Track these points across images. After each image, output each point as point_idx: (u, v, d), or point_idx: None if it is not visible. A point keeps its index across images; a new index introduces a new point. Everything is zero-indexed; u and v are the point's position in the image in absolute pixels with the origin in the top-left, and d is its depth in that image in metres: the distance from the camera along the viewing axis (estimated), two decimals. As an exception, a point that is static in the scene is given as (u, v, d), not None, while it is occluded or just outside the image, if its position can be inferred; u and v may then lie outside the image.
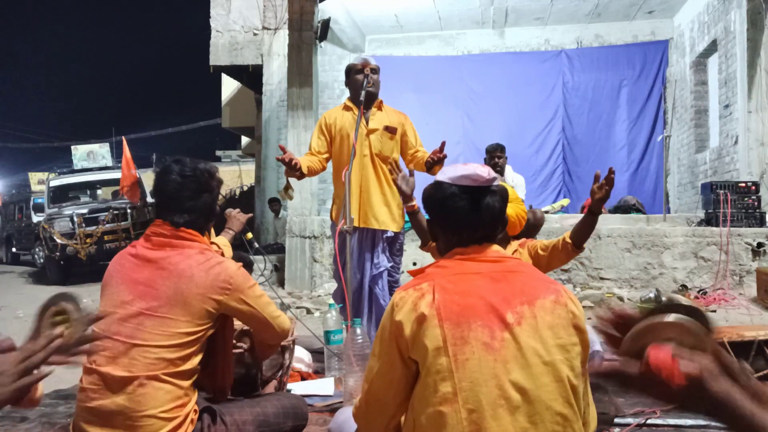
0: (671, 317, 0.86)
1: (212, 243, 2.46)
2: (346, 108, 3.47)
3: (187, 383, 1.69)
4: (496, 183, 1.43)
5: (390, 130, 3.41)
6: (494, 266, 1.36)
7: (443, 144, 3.10)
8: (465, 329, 1.26)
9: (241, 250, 2.94)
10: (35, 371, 1.06)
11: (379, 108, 3.46)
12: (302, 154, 7.78)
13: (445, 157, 3.11)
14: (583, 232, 2.42)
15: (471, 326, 1.26)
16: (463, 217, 1.40)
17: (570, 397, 1.25)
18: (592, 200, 2.35)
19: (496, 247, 1.42)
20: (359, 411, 1.43)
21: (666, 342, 0.83)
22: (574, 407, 1.25)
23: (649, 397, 0.83)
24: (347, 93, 3.55)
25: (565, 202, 8.50)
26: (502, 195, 1.44)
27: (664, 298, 5.64)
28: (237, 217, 2.59)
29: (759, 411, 0.78)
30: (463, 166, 1.43)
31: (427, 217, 1.51)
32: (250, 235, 2.76)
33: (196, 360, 1.71)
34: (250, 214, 2.70)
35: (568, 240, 2.44)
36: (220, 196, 2.49)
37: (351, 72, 3.47)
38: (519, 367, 1.23)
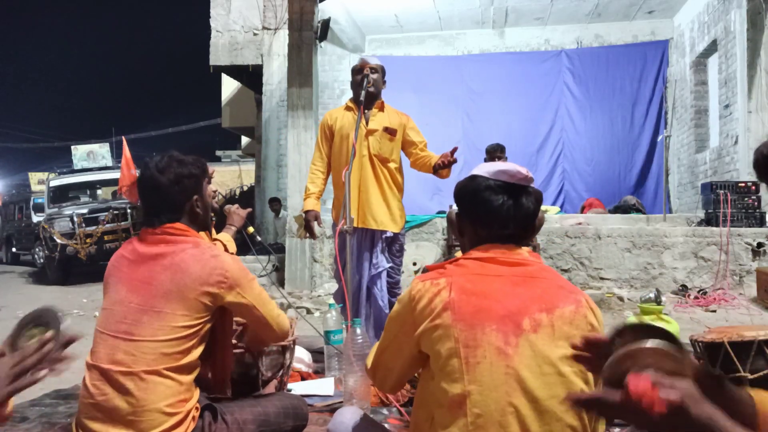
0: (649, 343, 0.86)
1: (215, 240, 2.45)
2: (348, 108, 3.49)
3: (187, 378, 1.69)
4: (533, 184, 1.41)
5: (389, 132, 3.42)
6: (516, 270, 1.33)
7: (455, 149, 3.14)
8: (478, 332, 1.24)
9: (244, 245, 2.94)
10: (27, 375, 1.06)
11: (381, 109, 3.47)
12: (302, 154, 7.73)
13: (455, 161, 3.16)
14: None
15: (485, 330, 1.24)
16: (495, 212, 1.36)
17: (582, 410, 1.21)
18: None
19: (522, 250, 1.39)
20: (371, 370, 1.52)
21: (645, 369, 0.83)
22: (584, 420, 1.23)
23: (631, 424, 0.82)
24: (347, 93, 3.57)
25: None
26: (537, 198, 1.41)
27: (663, 298, 5.64)
28: (236, 212, 2.59)
29: None
30: (502, 163, 1.41)
31: (456, 209, 1.48)
32: (251, 229, 2.75)
33: (196, 353, 1.71)
34: (249, 209, 2.69)
35: None
36: (219, 195, 2.48)
37: (353, 73, 3.50)
38: (532, 375, 1.21)
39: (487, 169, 1.40)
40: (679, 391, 0.77)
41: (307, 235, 3.51)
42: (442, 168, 3.22)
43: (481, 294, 1.28)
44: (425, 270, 1.44)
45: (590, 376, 1.24)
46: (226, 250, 2.39)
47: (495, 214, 1.37)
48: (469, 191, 1.41)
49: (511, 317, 1.25)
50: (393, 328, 1.40)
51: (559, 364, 1.22)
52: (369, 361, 1.52)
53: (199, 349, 1.73)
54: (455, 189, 1.48)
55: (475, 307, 1.26)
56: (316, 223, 3.47)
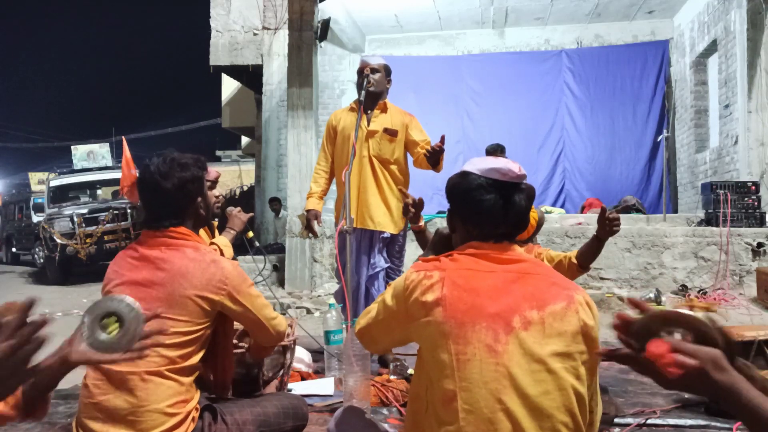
0: (687, 310, 0.90)
1: (212, 243, 2.45)
2: (352, 109, 3.50)
3: (188, 380, 1.69)
4: (525, 181, 1.40)
5: (390, 133, 3.42)
6: (509, 267, 1.33)
7: (443, 138, 3.10)
8: (469, 329, 1.24)
9: (242, 249, 2.95)
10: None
11: (384, 110, 3.46)
12: (302, 154, 7.71)
13: (442, 150, 3.09)
14: (589, 254, 2.40)
15: (475, 327, 1.24)
16: (487, 211, 1.36)
17: (573, 407, 1.22)
18: (602, 230, 2.31)
19: (516, 248, 1.38)
20: (358, 334, 1.56)
21: (673, 333, 0.87)
22: (577, 416, 1.23)
23: (651, 378, 0.88)
24: (347, 93, 3.58)
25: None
26: (529, 194, 1.41)
27: (664, 298, 5.64)
28: (238, 216, 2.59)
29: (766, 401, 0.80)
30: (494, 159, 1.40)
31: (448, 207, 1.48)
32: (251, 234, 2.76)
33: (197, 357, 1.72)
34: (251, 214, 2.70)
35: (574, 260, 2.41)
36: (220, 196, 2.47)
37: (357, 74, 3.51)
38: (522, 372, 1.21)
39: (479, 166, 1.39)
40: (700, 358, 0.81)
41: (309, 234, 3.53)
42: (430, 156, 3.14)
43: (473, 291, 1.28)
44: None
45: (582, 371, 1.25)
46: (222, 254, 2.39)
47: (486, 214, 1.36)
48: (461, 190, 1.41)
49: (501, 315, 1.25)
50: (384, 310, 1.42)
51: (549, 361, 1.22)
52: (358, 326, 1.55)
53: (200, 354, 1.74)
54: (446, 185, 1.47)
55: (466, 304, 1.26)
56: (316, 222, 3.49)
